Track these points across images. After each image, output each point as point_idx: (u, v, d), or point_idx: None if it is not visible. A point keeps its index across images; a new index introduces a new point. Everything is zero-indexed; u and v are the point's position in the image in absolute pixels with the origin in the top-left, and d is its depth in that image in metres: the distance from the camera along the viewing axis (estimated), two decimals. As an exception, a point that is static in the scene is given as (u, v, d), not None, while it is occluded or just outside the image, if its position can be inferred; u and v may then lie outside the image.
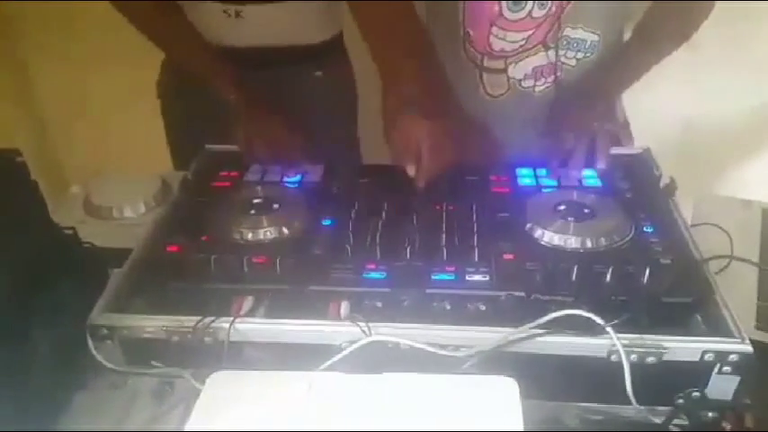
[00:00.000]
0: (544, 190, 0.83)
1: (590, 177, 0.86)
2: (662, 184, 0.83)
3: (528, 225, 0.73)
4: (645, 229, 0.73)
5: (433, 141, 0.77)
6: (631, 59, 0.94)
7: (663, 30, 0.93)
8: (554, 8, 0.89)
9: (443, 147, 0.78)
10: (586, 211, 0.75)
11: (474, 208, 0.78)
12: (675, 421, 0.61)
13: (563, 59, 0.94)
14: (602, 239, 0.70)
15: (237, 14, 0.97)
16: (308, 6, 1.01)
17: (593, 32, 0.92)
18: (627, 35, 0.98)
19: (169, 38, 0.99)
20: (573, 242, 0.70)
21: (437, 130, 0.78)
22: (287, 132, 0.93)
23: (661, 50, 0.94)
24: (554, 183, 0.85)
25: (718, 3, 0.91)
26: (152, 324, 0.63)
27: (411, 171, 0.78)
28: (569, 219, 0.73)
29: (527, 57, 0.94)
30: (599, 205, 0.76)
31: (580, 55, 0.94)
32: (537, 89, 0.97)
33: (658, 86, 0.95)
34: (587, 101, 0.91)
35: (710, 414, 0.60)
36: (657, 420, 0.61)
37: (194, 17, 1.00)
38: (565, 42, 0.93)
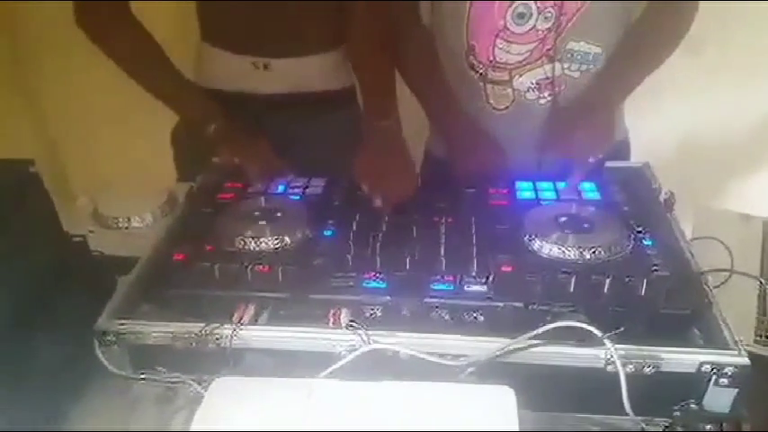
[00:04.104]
0: (543, 203, 0.84)
1: (589, 191, 0.86)
2: (661, 198, 0.84)
3: (527, 237, 0.74)
4: (644, 242, 0.74)
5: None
6: (628, 64, 0.94)
7: (656, 27, 0.93)
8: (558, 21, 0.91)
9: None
10: (585, 223, 0.76)
11: (473, 220, 0.79)
12: (672, 433, 0.61)
13: (567, 72, 0.95)
14: (601, 252, 0.71)
15: (266, 67, 1.01)
16: (331, 57, 1.05)
17: (596, 45, 0.93)
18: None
19: (141, 68, 0.98)
20: (571, 254, 0.71)
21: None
22: (271, 152, 0.97)
23: (656, 51, 0.94)
24: (553, 196, 0.86)
25: (720, 20, 0.92)
26: (157, 330, 0.65)
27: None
28: (568, 231, 0.74)
29: (531, 69, 0.95)
30: (598, 218, 0.77)
31: (584, 67, 0.95)
32: (540, 101, 0.98)
33: (658, 102, 0.95)
34: (587, 114, 0.92)
35: (707, 426, 0.60)
36: None
37: (218, 66, 1.03)
38: (569, 55, 0.93)
